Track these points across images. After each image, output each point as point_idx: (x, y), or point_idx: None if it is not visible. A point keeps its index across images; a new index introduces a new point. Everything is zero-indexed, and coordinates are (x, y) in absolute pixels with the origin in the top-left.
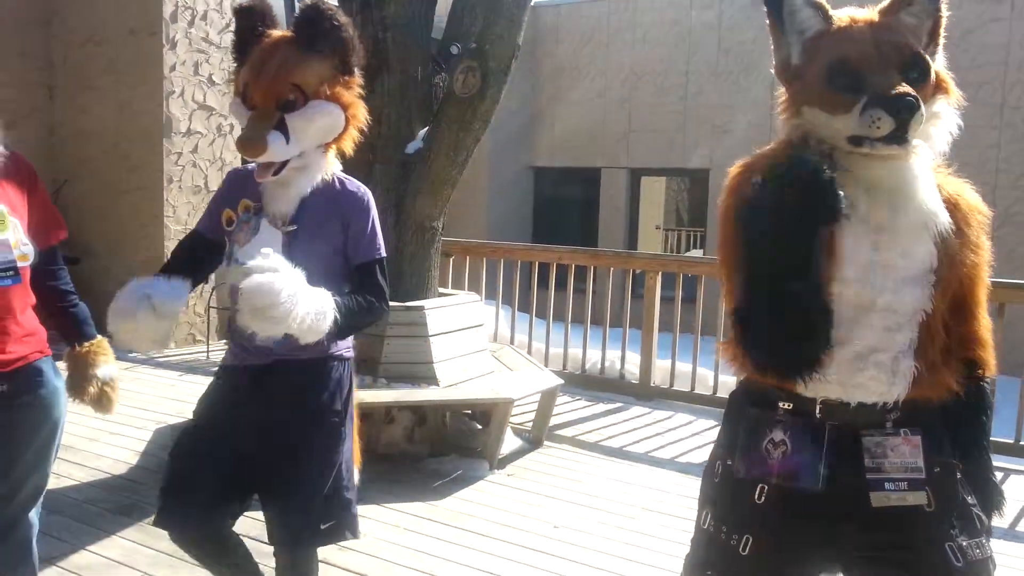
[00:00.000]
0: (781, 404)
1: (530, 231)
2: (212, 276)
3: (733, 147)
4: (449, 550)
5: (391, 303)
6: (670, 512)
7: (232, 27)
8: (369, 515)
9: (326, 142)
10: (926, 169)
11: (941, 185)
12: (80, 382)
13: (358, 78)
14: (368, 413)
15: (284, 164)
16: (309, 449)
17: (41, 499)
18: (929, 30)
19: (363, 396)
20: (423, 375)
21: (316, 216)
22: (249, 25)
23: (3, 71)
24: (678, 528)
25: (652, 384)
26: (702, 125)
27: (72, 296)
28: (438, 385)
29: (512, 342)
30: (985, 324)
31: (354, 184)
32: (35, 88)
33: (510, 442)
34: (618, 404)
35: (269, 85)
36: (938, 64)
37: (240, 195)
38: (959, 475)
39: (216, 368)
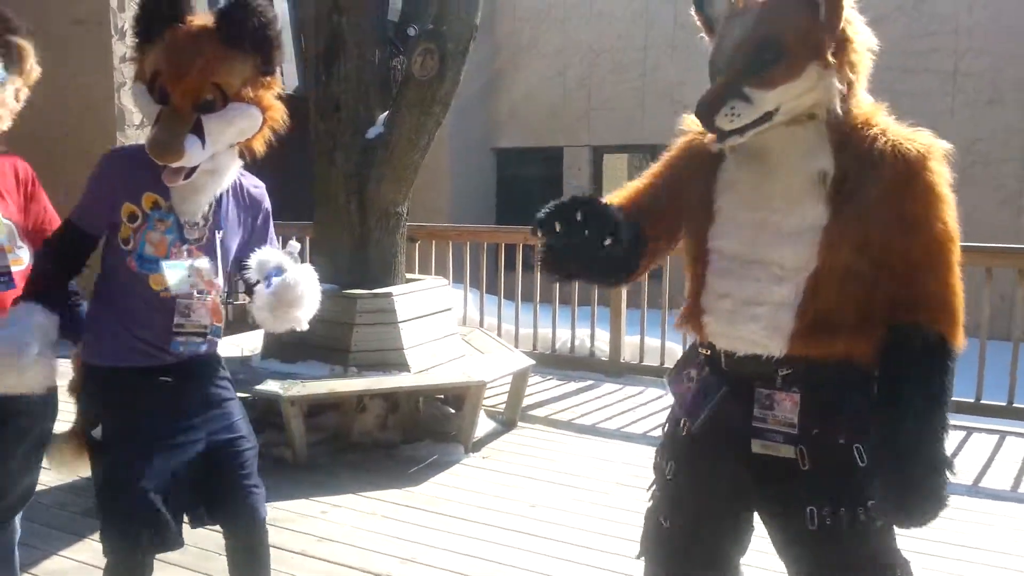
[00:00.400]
0: (700, 350)
1: (494, 212)
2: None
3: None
4: (428, 535)
5: (360, 290)
6: (643, 486)
7: None
8: (346, 504)
9: (238, 142)
10: (804, 135)
11: (872, 134)
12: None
13: (278, 78)
14: (340, 402)
15: (195, 168)
16: (240, 425)
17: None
18: None
19: (334, 385)
20: (394, 362)
21: (230, 215)
22: (160, 4)
23: None
24: None
25: (622, 360)
26: (661, 100)
27: (75, 296)
28: (409, 371)
29: (482, 325)
30: (937, 290)
31: (250, 177)
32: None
33: (484, 425)
34: (589, 382)
35: (189, 84)
36: (834, 22)
37: (139, 187)
38: (858, 444)
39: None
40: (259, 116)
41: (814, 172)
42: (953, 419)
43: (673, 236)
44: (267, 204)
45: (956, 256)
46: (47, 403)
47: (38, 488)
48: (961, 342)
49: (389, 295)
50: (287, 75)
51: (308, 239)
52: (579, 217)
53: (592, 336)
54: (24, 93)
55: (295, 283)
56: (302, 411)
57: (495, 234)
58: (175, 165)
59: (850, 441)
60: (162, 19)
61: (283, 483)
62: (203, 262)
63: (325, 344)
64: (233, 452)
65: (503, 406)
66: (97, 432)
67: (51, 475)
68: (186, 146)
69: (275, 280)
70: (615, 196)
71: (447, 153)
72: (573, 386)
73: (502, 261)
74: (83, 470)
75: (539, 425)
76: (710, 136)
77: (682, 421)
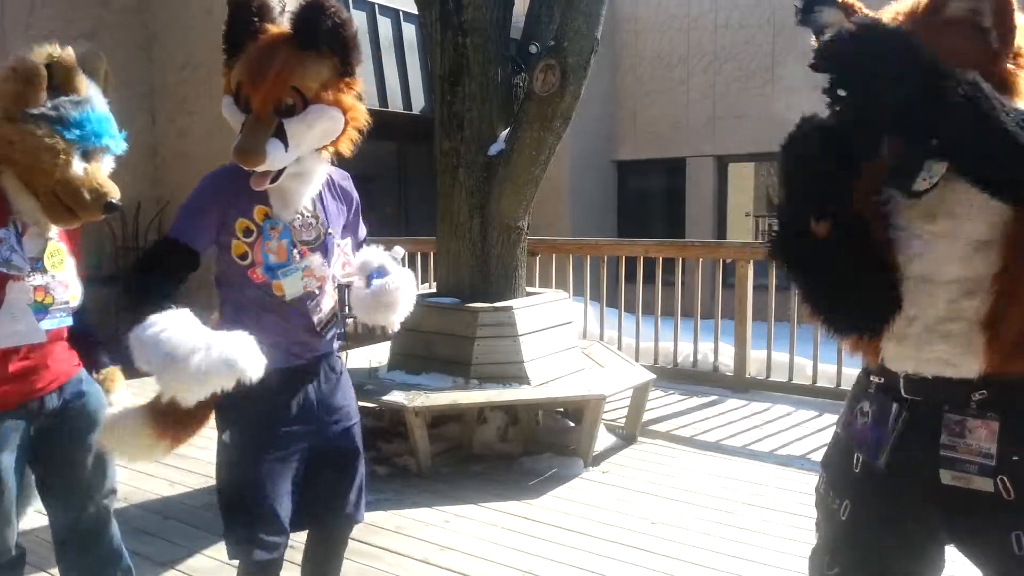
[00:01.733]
0: (873, 377)
1: (615, 225)
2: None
3: None
4: (547, 548)
5: (482, 304)
6: (770, 506)
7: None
8: (467, 515)
9: (323, 145)
10: None
11: None
12: None
13: (358, 79)
14: (461, 414)
15: (281, 171)
16: (356, 428)
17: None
18: (992, 7)
19: (456, 397)
20: (514, 375)
21: (331, 211)
22: (243, 18)
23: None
24: (780, 522)
25: (747, 376)
26: (788, 107)
27: (90, 327)
28: (529, 384)
29: (602, 338)
30: None
31: (337, 171)
32: (137, 113)
33: (604, 439)
34: (713, 397)
35: (268, 89)
36: (1008, 47)
37: (247, 201)
38: None
39: None
40: (340, 118)
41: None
42: None
43: None
44: (356, 195)
45: None
46: (102, 402)
47: (182, 490)
48: None
49: (510, 308)
50: (415, 96)
51: (432, 254)
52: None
53: (716, 350)
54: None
55: (395, 287)
56: (426, 422)
57: (615, 247)
58: (260, 169)
59: None
60: (245, 31)
61: (407, 491)
62: (314, 259)
63: (448, 357)
64: (341, 462)
65: (623, 420)
66: (226, 436)
67: (195, 478)
68: (268, 150)
69: (376, 281)
70: None
71: (567, 166)
72: (696, 401)
73: (622, 274)
74: (141, 458)
75: (660, 440)
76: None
77: (856, 457)
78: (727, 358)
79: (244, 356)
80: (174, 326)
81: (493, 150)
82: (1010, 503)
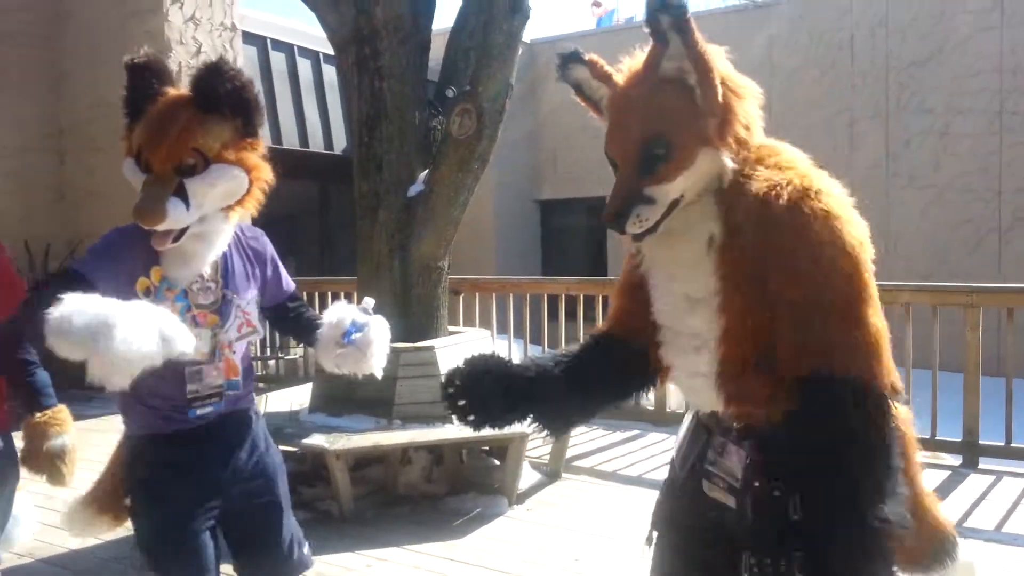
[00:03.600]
0: (689, 408)
1: (539, 264)
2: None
3: None
4: None
5: (404, 344)
6: None
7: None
8: (391, 558)
9: (228, 204)
10: (699, 209)
11: (748, 186)
12: (31, 455)
13: (261, 140)
14: (385, 455)
15: (183, 231)
16: (279, 486)
17: None
18: (694, 68)
19: (379, 438)
20: (438, 414)
21: (238, 273)
22: (142, 82)
23: (16, 136)
24: None
25: (668, 410)
26: None
27: (32, 365)
28: (453, 423)
29: None
30: (838, 328)
31: (250, 230)
32: (44, 153)
33: (528, 476)
34: (635, 431)
35: (168, 149)
36: (712, 105)
37: (147, 260)
38: (792, 496)
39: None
40: (244, 177)
41: (705, 237)
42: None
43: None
44: (271, 251)
45: (857, 292)
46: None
47: (93, 542)
48: (886, 380)
49: (431, 348)
50: (337, 136)
51: (354, 295)
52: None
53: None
54: None
55: (373, 339)
56: (347, 464)
57: (538, 285)
58: (160, 228)
59: (786, 493)
60: (145, 95)
61: (329, 536)
62: (201, 332)
63: (370, 397)
64: (258, 518)
65: (548, 457)
66: (127, 502)
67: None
68: (168, 208)
69: (356, 336)
70: (607, 321)
71: (491, 206)
72: (619, 436)
73: (545, 311)
74: (100, 531)
75: (584, 476)
76: (625, 237)
77: (665, 483)
78: (648, 392)
79: (175, 328)
80: (91, 301)
81: (412, 191)
82: (748, 523)
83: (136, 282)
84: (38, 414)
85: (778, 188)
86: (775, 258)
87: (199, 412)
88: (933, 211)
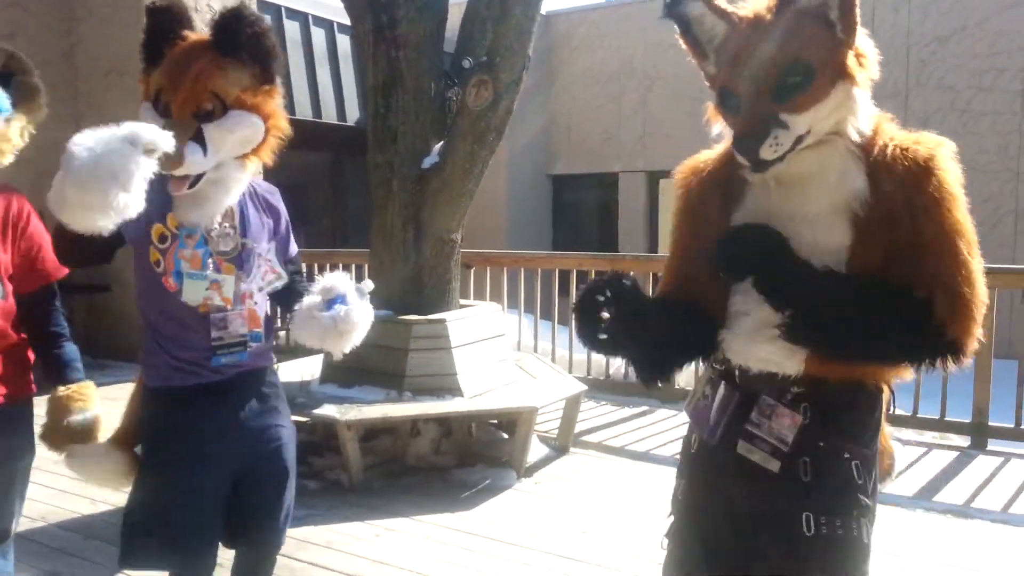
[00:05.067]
0: (715, 365)
1: (550, 239)
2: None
3: None
4: (478, 560)
5: (415, 316)
6: None
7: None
8: (399, 528)
9: (244, 153)
10: (837, 156)
11: (883, 144)
12: (51, 430)
13: (279, 87)
14: (394, 427)
15: (199, 176)
16: (286, 448)
17: (10, 543)
18: (838, 2)
19: (388, 410)
20: (447, 387)
21: (253, 223)
22: (163, 26)
23: None
24: None
25: (677, 387)
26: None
27: (61, 338)
28: (462, 396)
29: (536, 350)
30: (944, 271)
31: (264, 184)
32: (61, 120)
33: (537, 450)
34: (644, 408)
35: (187, 93)
36: (851, 38)
37: (162, 206)
38: (856, 461)
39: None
40: (260, 124)
41: (850, 192)
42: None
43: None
44: (284, 210)
45: (969, 251)
46: (23, 447)
47: (104, 508)
48: (967, 339)
49: (443, 321)
50: (350, 107)
51: (366, 266)
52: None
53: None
54: (29, 131)
55: (356, 320)
56: (358, 435)
57: (549, 260)
58: (178, 173)
59: (852, 457)
60: (164, 39)
61: (339, 505)
62: (225, 278)
63: (381, 369)
64: (268, 481)
65: (556, 431)
66: (138, 449)
67: (119, 496)
68: (186, 153)
69: (339, 307)
70: (663, 283)
71: (504, 180)
72: (627, 412)
73: (556, 286)
74: (121, 485)
75: (592, 451)
76: (746, 166)
77: (693, 438)
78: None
79: (146, 129)
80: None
81: (427, 163)
82: (806, 484)
83: (152, 228)
84: (62, 388)
85: (916, 143)
86: (909, 201)
87: (224, 360)
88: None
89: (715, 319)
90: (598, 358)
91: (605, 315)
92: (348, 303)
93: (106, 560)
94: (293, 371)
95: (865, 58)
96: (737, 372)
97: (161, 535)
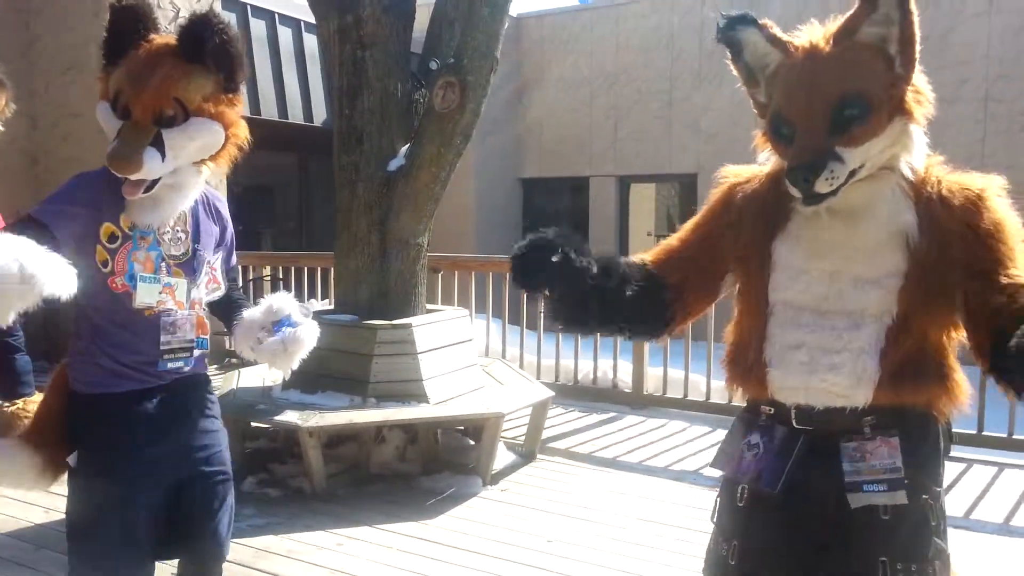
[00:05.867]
0: (764, 408)
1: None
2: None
3: (719, 151)
4: (443, 569)
5: (380, 321)
6: (664, 521)
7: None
8: (363, 537)
9: (202, 159)
10: (888, 191)
11: (933, 185)
12: None
13: (241, 96)
14: (358, 434)
15: (155, 181)
16: (224, 454)
17: None
18: (899, 36)
19: (352, 417)
20: (413, 393)
21: (204, 229)
22: (126, 25)
23: None
24: (672, 537)
25: (645, 392)
26: (688, 129)
27: (15, 351)
28: (428, 402)
29: (504, 356)
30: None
31: (213, 192)
32: (16, 119)
33: (503, 457)
34: (611, 414)
35: (149, 97)
36: (910, 74)
37: (117, 207)
38: (931, 499)
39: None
40: (221, 132)
41: (901, 225)
42: (955, 450)
43: (712, 291)
44: (229, 221)
45: None
46: None
47: (59, 517)
48: None
49: (408, 326)
50: (317, 108)
51: (331, 269)
52: (554, 258)
53: (615, 367)
54: None
55: (302, 339)
56: (320, 442)
57: None
58: (134, 177)
59: (928, 496)
60: (128, 38)
61: (301, 514)
62: (177, 281)
63: (345, 375)
64: (209, 487)
65: (523, 438)
66: (72, 459)
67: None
68: (145, 158)
69: (287, 329)
70: (650, 252)
71: (473, 183)
72: (595, 418)
73: (524, 292)
74: (32, 486)
75: (559, 457)
76: (798, 197)
77: (740, 490)
78: (626, 375)
79: (40, 263)
80: None
81: (393, 165)
82: (884, 523)
83: (100, 227)
84: (6, 404)
85: (969, 179)
86: (974, 228)
87: (169, 365)
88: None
89: (668, 305)
90: (566, 364)
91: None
92: (294, 324)
93: (56, 571)
94: (255, 377)
95: (923, 95)
96: (794, 413)
97: (92, 548)
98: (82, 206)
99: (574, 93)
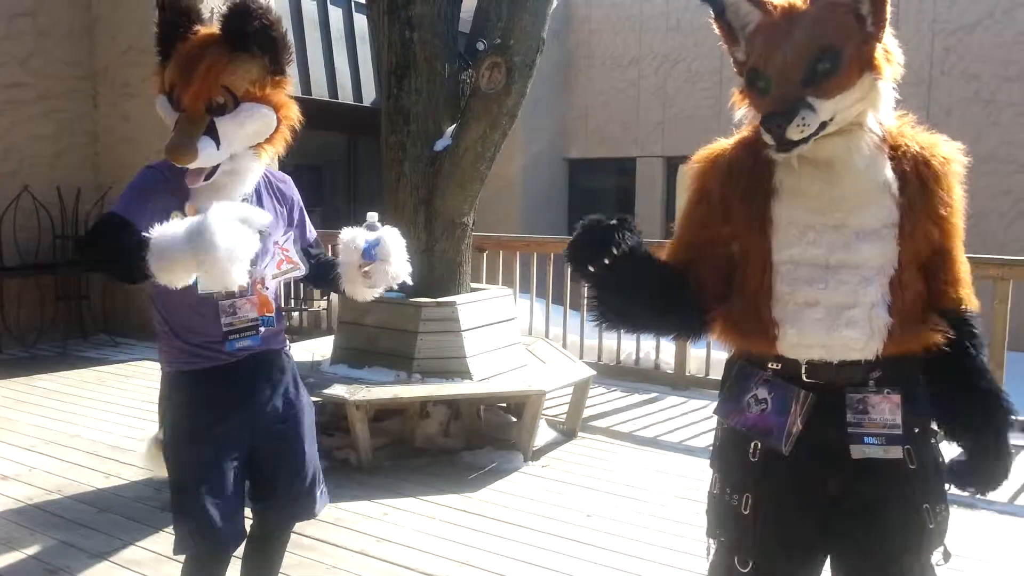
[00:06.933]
0: (770, 364)
1: (566, 224)
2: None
3: None
4: (484, 540)
5: (425, 299)
6: (702, 499)
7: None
8: (407, 508)
9: (258, 143)
10: (863, 143)
11: (907, 143)
12: None
13: (289, 78)
14: (403, 408)
15: (215, 168)
16: (304, 427)
17: None
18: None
19: (398, 391)
20: (456, 370)
21: (269, 211)
22: (173, 20)
23: (49, 79)
24: None
25: (687, 374)
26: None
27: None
28: (471, 379)
29: (547, 335)
30: (964, 266)
31: (277, 173)
32: (79, 96)
33: (544, 434)
34: (653, 394)
35: (198, 87)
36: (880, 32)
37: (181, 197)
38: (936, 440)
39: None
40: (272, 116)
41: (883, 177)
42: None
43: (724, 273)
44: (298, 196)
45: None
46: None
47: (118, 483)
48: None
49: (453, 304)
50: (367, 88)
51: None
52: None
53: (657, 348)
54: None
55: (390, 248)
56: (367, 416)
57: (563, 244)
58: (192, 166)
59: (934, 439)
60: (175, 33)
61: (347, 485)
62: None
63: (391, 351)
64: (283, 455)
65: (564, 416)
66: (160, 434)
67: (132, 471)
68: (200, 147)
69: (377, 250)
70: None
71: (519, 164)
72: (637, 398)
73: (569, 272)
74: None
75: (600, 436)
76: (771, 146)
77: (753, 445)
78: (668, 356)
79: (247, 210)
80: (176, 226)
81: (439, 145)
82: (911, 472)
83: (170, 217)
84: None
85: (937, 146)
86: (941, 198)
87: (237, 345)
88: (971, 181)
89: (697, 299)
90: (609, 345)
91: (606, 260)
92: (376, 241)
93: (118, 532)
94: (304, 351)
95: (891, 55)
96: (804, 367)
97: (185, 514)
98: (154, 199)
99: (622, 73)
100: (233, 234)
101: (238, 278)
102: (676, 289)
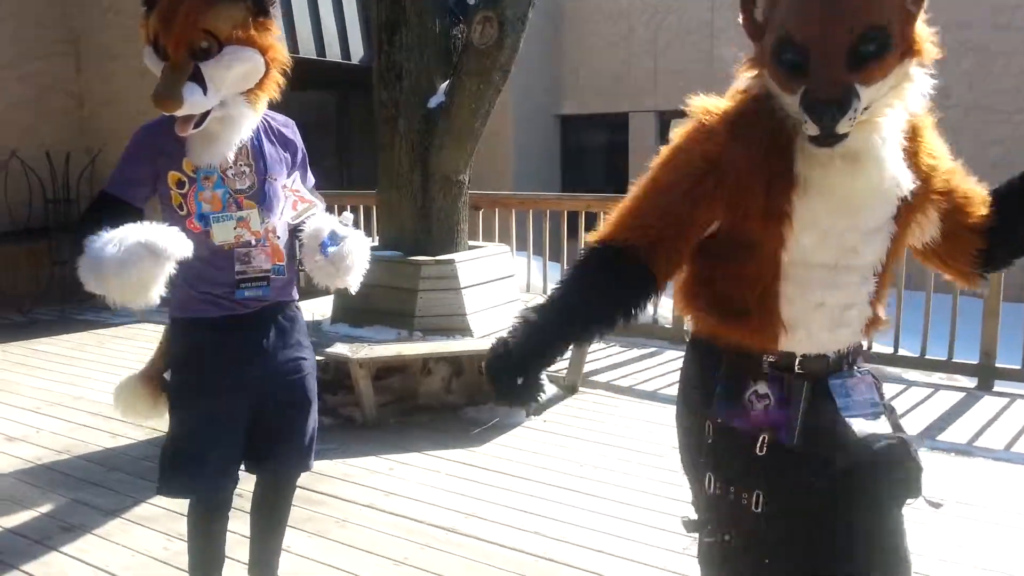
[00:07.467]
0: (765, 357)
1: (559, 180)
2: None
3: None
4: (488, 492)
5: (424, 257)
6: None
7: None
8: (411, 462)
9: (248, 88)
10: (891, 133)
11: (919, 133)
12: None
13: (274, 19)
14: (406, 366)
15: (205, 115)
16: (308, 378)
17: None
18: None
19: (400, 349)
20: (457, 327)
21: (270, 157)
22: None
23: (25, 43)
24: None
25: (685, 328)
26: (730, 63)
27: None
28: (472, 336)
29: (545, 292)
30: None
31: (279, 117)
32: (60, 59)
33: (546, 389)
34: (652, 349)
35: (179, 33)
36: (919, 11)
37: (176, 152)
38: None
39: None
40: (259, 59)
41: (895, 167)
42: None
43: (690, 239)
44: (300, 140)
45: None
46: None
47: (125, 442)
48: None
49: (451, 262)
50: (354, 45)
51: (374, 207)
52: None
53: (656, 304)
54: None
55: (349, 252)
56: (370, 373)
57: (558, 201)
58: (180, 114)
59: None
60: None
61: (353, 441)
62: (250, 212)
63: (391, 309)
64: (288, 408)
65: (565, 372)
66: (167, 376)
67: (140, 431)
68: (184, 94)
69: (331, 250)
70: (613, 225)
71: (511, 120)
72: (635, 353)
73: (565, 228)
74: (148, 416)
75: (600, 391)
76: (813, 135)
77: (761, 440)
78: (667, 311)
79: (162, 237)
80: (95, 245)
81: (433, 102)
82: (902, 438)
83: (168, 176)
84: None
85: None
86: (921, 153)
87: (247, 293)
88: (962, 129)
89: (653, 278)
90: None
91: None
92: (337, 241)
93: (127, 489)
94: (304, 311)
95: (924, 37)
96: (799, 360)
97: (184, 458)
98: (146, 165)
99: (613, 27)
100: (128, 270)
101: (140, 304)
102: (605, 307)
